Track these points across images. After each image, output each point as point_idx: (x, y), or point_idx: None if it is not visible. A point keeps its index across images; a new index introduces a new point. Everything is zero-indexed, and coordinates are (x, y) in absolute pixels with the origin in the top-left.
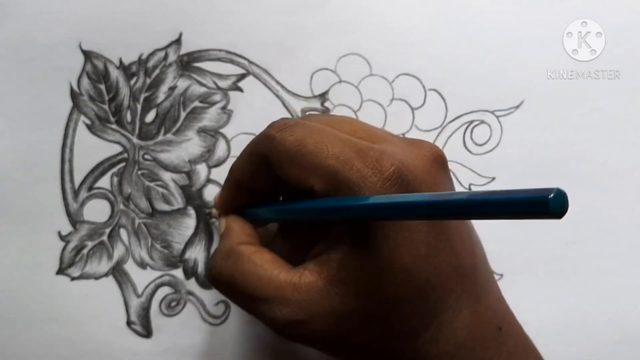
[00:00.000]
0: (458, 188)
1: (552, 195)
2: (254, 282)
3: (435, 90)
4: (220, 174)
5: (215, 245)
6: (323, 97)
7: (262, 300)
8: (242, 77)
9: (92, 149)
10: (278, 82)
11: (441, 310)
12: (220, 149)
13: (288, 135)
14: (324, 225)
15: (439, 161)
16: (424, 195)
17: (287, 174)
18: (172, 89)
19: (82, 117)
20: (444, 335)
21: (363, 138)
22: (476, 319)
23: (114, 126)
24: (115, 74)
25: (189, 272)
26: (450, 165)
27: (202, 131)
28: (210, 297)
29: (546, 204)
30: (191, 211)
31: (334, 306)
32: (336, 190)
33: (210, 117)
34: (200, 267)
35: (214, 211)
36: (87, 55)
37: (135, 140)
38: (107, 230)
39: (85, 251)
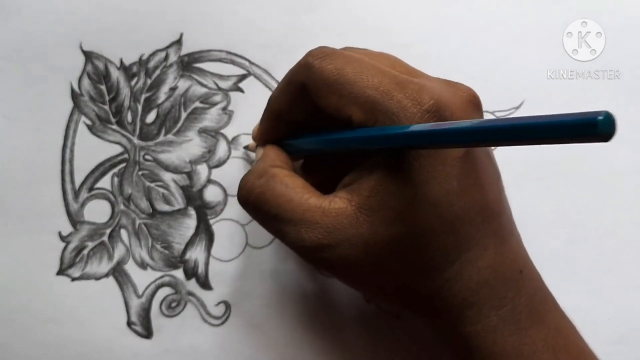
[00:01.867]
0: None
1: (601, 117)
2: (284, 202)
3: None
4: (221, 174)
5: (215, 246)
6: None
7: (291, 221)
8: (242, 77)
9: (92, 150)
10: (278, 83)
11: (468, 247)
12: (221, 149)
13: (327, 63)
14: (354, 157)
15: (474, 102)
16: (469, 122)
17: (325, 103)
18: (173, 89)
19: (83, 118)
20: (468, 272)
21: (401, 72)
22: (500, 259)
23: (115, 127)
24: (116, 74)
25: (190, 273)
26: None
27: (202, 132)
28: (210, 297)
29: (595, 126)
30: (192, 212)
31: (362, 233)
32: (374, 120)
33: (210, 118)
34: (201, 268)
35: (251, 143)
36: (88, 55)
37: (135, 140)
38: (108, 231)
39: (85, 252)
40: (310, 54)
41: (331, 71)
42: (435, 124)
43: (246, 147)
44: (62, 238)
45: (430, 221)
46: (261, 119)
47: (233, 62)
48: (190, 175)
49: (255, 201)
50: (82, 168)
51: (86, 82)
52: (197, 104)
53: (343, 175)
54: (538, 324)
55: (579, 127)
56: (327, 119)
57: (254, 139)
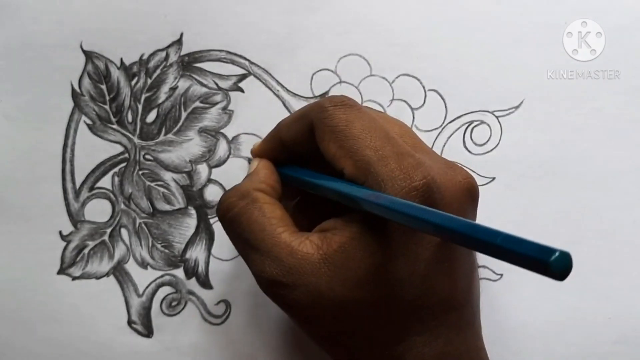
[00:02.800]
0: None
1: (553, 257)
2: (256, 230)
3: (435, 90)
4: (221, 174)
5: (216, 245)
6: (323, 97)
7: (258, 250)
8: (242, 77)
9: (93, 149)
10: (279, 83)
11: (418, 331)
12: (221, 149)
13: (340, 112)
14: (342, 206)
15: (471, 192)
16: (441, 216)
17: (325, 148)
18: (173, 89)
19: (83, 117)
20: (412, 356)
21: (407, 144)
22: (449, 349)
23: (115, 126)
24: (116, 74)
25: (190, 272)
26: None
27: (202, 131)
28: (210, 296)
29: (546, 265)
30: (192, 211)
31: (320, 285)
32: (363, 180)
33: (211, 118)
34: (201, 267)
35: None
36: (88, 55)
37: (136, 140)
38: (108, 230)
39: (86, 251)
40: (329, 98)
41: (341, 120)
42: (408, 204)
43: (249, 160)
44: (63, 237)
45: (388, 296)
46: (265, 138)
47: (233, 62)
48: (190, 174)
49: (230, 220)
50: (82, 167)
51: (87, 81)
52: (197, 104)
53: (335, 215)
54: None
55: (532, 262)
56: (324, 163)
57: (252, 152)
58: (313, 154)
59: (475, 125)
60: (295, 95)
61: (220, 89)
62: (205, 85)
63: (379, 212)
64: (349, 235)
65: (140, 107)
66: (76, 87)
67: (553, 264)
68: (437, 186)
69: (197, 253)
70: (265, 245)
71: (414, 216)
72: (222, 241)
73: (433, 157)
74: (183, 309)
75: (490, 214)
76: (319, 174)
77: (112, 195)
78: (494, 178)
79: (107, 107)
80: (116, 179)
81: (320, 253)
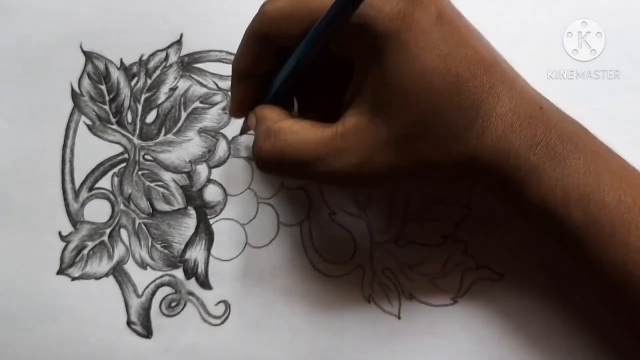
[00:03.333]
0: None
1: None
2: (303, 147)
3: None
4: (221, 174)
5: (215, 246)
6: None
7: (318, 159)
8: None
9: (92, 150)
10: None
11: (480, 100)
12: (221, 149)
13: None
14: (346, 76)
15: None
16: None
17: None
18: (173, 89)
19: (83, 118)
20: (492, 122)
21: None
22: (516, 101)
23: (115, 127)
24: (116, 74)
25: (189, 272)
26: None
27: (202, 132)
28: (210, 297)
29: None
30: (191, 211)
31: (386, 134)
32: None
33: (210, 118)
34: (201, 267)
35: (242, 126)
36: (88, 55)
37: (135, 140)
38: (108, 231)
39: (85, 251)
40: (262, 4)
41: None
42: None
43: (242, 133)
44: (62, 238)
45: (438, 88)
46: (230, 90)
47: None
48: (190, 175)
49: (277, 161)
50: (82, 168)
51: (86, 82)
52: (197, 104)
53: (341, 99)
54: (574, 151)
55: None
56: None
57: (232, 112)
58: (276, 66)
59: None
60: None
61: (220, 89)
62: (205, 86)
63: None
64: (373, 77)
65: (140, 107)
66: (76, 88)
67: None
68: None
69: (196, 253)
70: (320, 150)
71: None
72: (222, 241)
73: None
74: (182, 309)
75: (489, 213)
76: (287, 60)
77: (111, 196)
78: None
79: (106, 107)
80: (116, 179)
81: (364, 114)
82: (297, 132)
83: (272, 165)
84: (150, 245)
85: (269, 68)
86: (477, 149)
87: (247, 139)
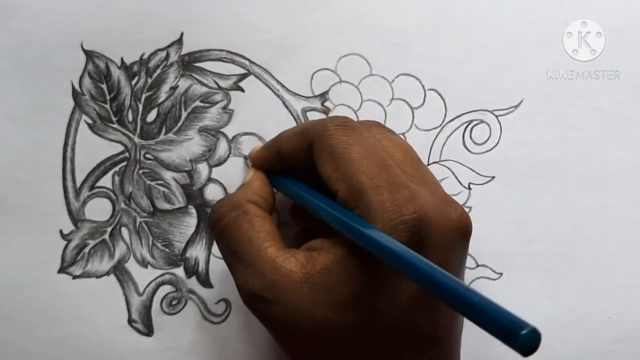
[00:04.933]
0: (457, 187)
1: (524, 332)
2: (244, 242)
3: (434, 90)
4: (221, 173)
5: (216, 245)
6: (323, 97)
7: (243, 262)
8: (243, 77)
9: (93, 148)
10: (279, 82)
11: None
12: (221, 148)
13: (341, 134)
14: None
15: (462, 231)
16: (425, 263)
17: (322, 168)
18: (174, 88)
19: (84, 117)
20: None
21: (407, 173)
22: None
23: (116, 125)
24: (116, 73)
25: (190, 271)
26: (450, 165)
27: (203, 131)
28: (211, 295)
29: (515, 337)
30: (192, 210)
31: (299, 303)
32: (354, 205)
33: (211, 117)
34: (201, 266)
35: (248, 161)
36: (89, 54)
37: (136, 139)
38: (109, 229)
39: (86, 250)
40: (331, 118)
41: (340, 142)
42: (391, 242)
43: (246, 158)
44: (63, 236)
45: (365, 324)
46: (264, 146)
47: (233, 62)
48: (190, 173)
49: (220, 230)
50: (83, 166)
51: (87, 81)
52: (198, 103)
53: (325, 234)
54: None
55: (502, 330)
56: (319, 180)
57: (250, 159)
58: (310, 171)
59: (475, 125)
60: (295, 94)
61: (220, 88)
62: (205, 85)
63: (363, 242)
64: (334, 258)
65: (140, 106)
66: (77, 87)
67: (522, 338)
68: (428, 221)
69: (197, 252)
70: (251, 258)
71: (396, 256)
72: None
73: (432, 190)
74: (183, 307)
75: (489, 213)
76: (313, 190)
77: (112, 194)
78: (493, 177)
79: (107, 106)
80: (116, 178)
81: (303, 272)
82: (253, 227)
83: (216, 230)
84: (151, 243)
85: (301, 166)
86: None
87: (248, 140)
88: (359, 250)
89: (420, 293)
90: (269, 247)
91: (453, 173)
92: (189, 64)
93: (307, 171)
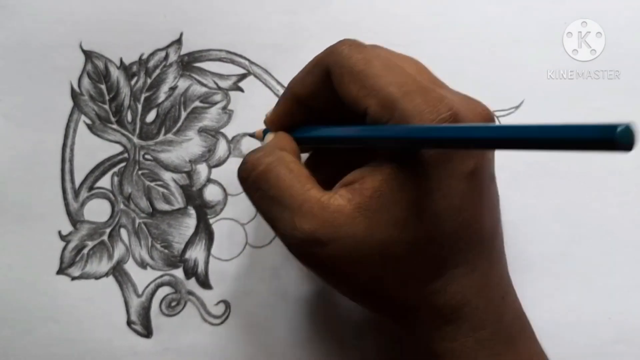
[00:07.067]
0: None
1: (620, 128)
2: (285, 187)
3: None
4: (221, 173)
5: (215, 246)
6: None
7: (287, 207)
8: (242, 77)
9: (92, 149)
10: (278, 82)
11: (457, 263)
12: (221, 148)
13: (357, 52)
14: (359, 157)
15: (489, 121)
16: (487, 126)
17: (346, 91)
18: (173, 89)
19: (83, 117)
20: (453, 288)
21: (424, 80)
22: (486, 281)
23: (115, 126)
24: (115, 73)
25: (189, 272)
26: None
27: (202, 131)
28: (210, 297)
29: (612, 142)
30: (191, 211)
31: (357, 233)
32: (389, 117)
33: (210, 117)
34: (201, 267)
35: (257, 130)
36: (88, 55)
37: (135, 140)
38: (108, 230)
39: (85, 251)
40: (341, 41)
41: (359, 60)
42: (449, 127)
43: (252, 135)
44: (62, 237)
45: (427, 232)
46: (277, 102)
47: (233, 62)
48: (190, 174)
49: (256, 178)
50: (82, 167)
51: (86, 81)
52: (197, 104)
53: (352, 168)
54: (512, 352)
55: (596, 143)
56: (344, 113)
57: (266, 123)
58: (330, 105)
59: None
60: None
61: (220, 88)
62: (205, 85)
63: (415, 145)
64: (381, 178)
65: (139, 106)
66: (76, 87)
67: (619, 138)
68: (461, 117)
69: (196, 253)
70: (295, 202)
71: (458, 137)
72: (222, 241)
73: (451, 92)
74: (182, 309)
75: None
76: (337, 126)
77: (111, 195)
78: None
79: (106, 106)
80: (115, 178)
81: (353, 204)
82: (291, 170)
83: (252, 179)
84: (150, 244)
85: (321, 105)
86: (426, 302)
87: (248, 140)
88: (402, 163)
89: (470, 187)
90: (311, 189)
91: None
92: (189, 64)
93: (326, 111)
